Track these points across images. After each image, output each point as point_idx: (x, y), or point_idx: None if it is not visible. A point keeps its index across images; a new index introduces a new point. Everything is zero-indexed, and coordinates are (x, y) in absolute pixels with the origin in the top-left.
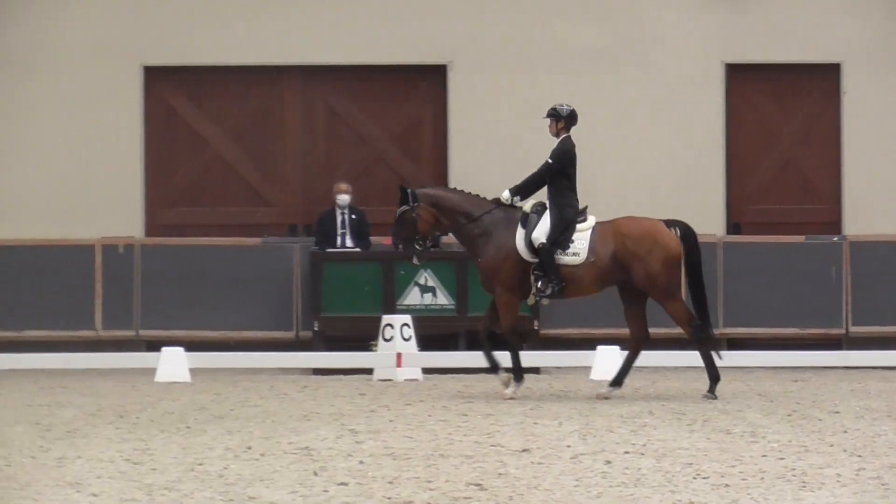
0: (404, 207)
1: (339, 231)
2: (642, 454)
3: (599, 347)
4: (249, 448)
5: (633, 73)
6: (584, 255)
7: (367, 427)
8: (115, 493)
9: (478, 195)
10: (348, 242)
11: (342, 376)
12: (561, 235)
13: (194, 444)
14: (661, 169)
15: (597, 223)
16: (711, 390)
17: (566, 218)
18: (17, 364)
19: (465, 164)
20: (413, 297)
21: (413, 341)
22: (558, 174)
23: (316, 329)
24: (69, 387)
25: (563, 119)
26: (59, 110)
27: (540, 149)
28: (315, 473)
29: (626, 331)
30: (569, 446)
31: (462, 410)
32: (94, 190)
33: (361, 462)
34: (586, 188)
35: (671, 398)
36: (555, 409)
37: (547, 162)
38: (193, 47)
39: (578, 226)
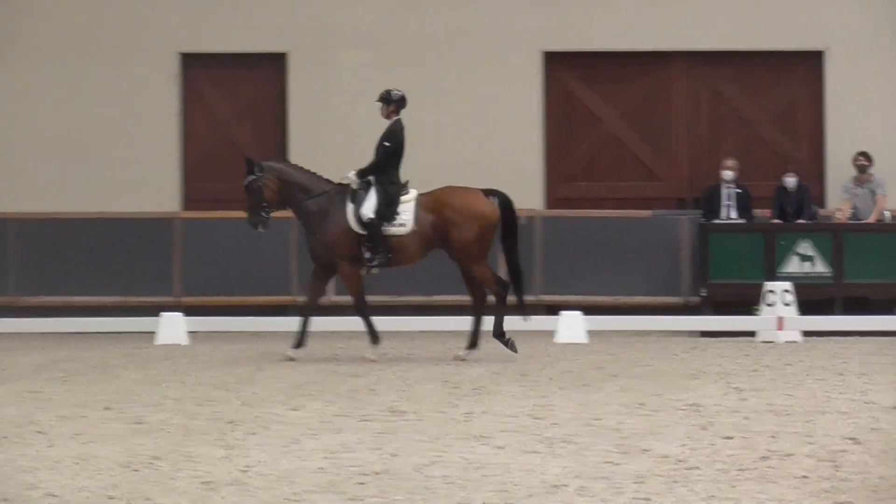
0: (251, 177)
1: (724, 203)
2: None
3: None
4: (642, 404)
5: None
6: (409, 225)
7: (750, 385)
8: (517, 445)
9: (319, 175)
10: (732, 214)
11: (727, 338)
12: (386, 209)
13: (591, 401)
14: None
15: (419, 195)
16: (469, 347)
17: (389, 193)
18: (428, 326)
19: (841, 144)
20: (793, 265)
21: (793, 306)
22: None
23: (703, 295)
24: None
25: (393, 103)
26: (468, 94)
27: None
28: (703, 428)
29: None
30: None
31: (838, 370)
32: (498, 166)
33: (746, 418)
34: None
35: None
36: None
37: (384, 145)
38: (590, 34)
39: (402, 198)
